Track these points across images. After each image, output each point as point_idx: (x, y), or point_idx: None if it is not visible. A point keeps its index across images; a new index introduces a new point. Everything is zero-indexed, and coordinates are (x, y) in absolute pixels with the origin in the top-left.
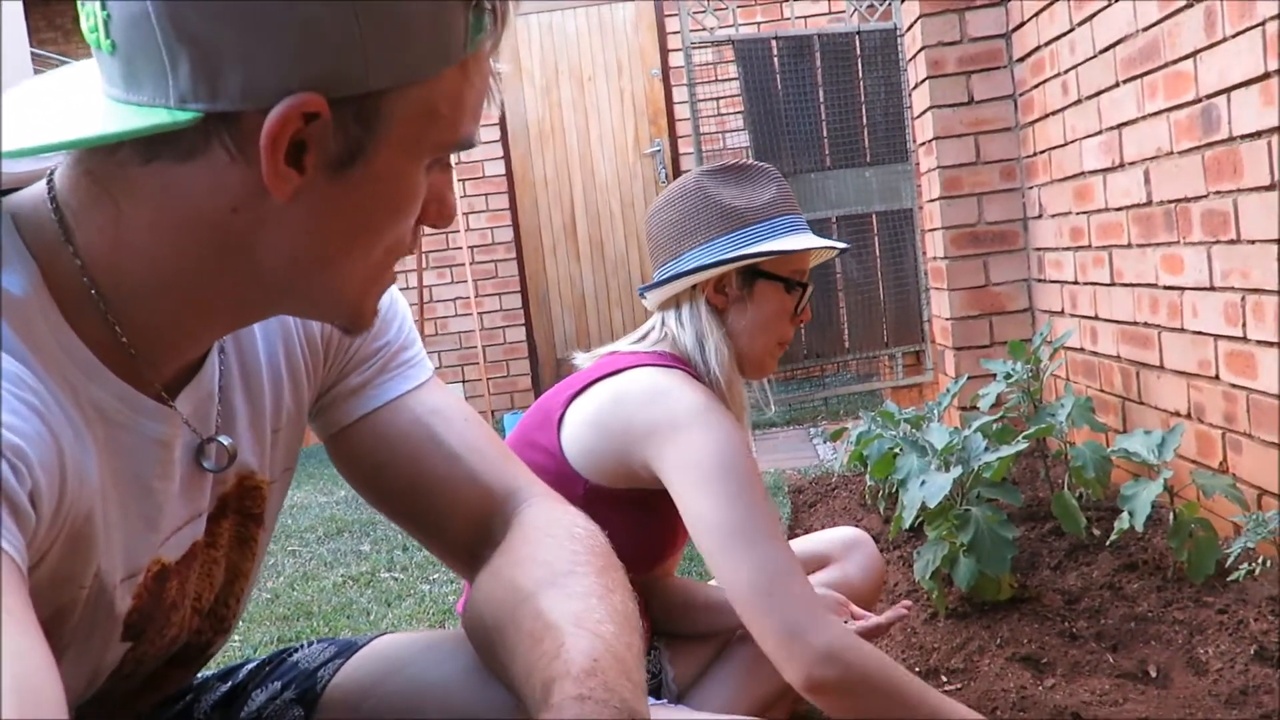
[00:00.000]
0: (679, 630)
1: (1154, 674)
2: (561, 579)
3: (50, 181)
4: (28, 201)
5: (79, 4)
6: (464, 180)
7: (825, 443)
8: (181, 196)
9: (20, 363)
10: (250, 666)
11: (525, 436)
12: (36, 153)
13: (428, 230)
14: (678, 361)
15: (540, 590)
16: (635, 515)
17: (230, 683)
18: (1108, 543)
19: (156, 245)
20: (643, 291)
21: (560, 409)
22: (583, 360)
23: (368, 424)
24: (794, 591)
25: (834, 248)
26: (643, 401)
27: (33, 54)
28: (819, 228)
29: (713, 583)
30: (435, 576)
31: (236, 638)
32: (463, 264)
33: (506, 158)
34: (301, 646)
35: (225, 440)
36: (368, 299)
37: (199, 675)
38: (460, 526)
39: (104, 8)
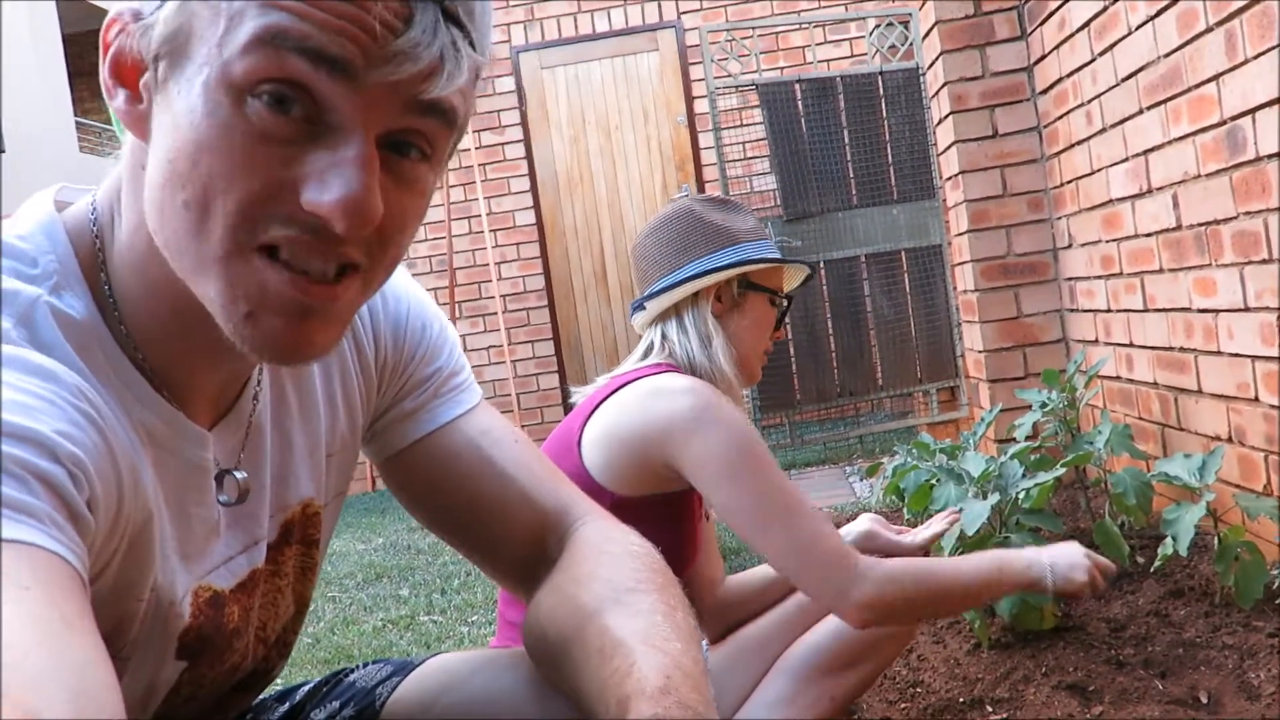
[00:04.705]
0: (738, 623)
1: (1205, 700)
2: (625, 596)
3: (94, 197)
4: (77, 218)
5: None
6: (495, 230)
7: (861, 480)
8: (134, 161)
9: (81, 377)
10: (308, 687)
11: None
12: None
13: (462, 282)
14: (678, 370)
15: (605, 607)
16: (660, 522)
17: (288, 703)
18: (1152, 569)
19: (134, 231)
20: (640, 304)
21: (577, 433)
22: (580, 395)
23: (422, 448)
24: (826, 550)
25: (806, 270)
26: (651, 404)
27: (77, 123)
28: (847, 266)
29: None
30: (474, 619)
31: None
32: (495, 313)
33: (536, 207)
34: (357, 668)
35: (239, 474)
36: (223, 293)
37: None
38: (515, 546)
39: None
